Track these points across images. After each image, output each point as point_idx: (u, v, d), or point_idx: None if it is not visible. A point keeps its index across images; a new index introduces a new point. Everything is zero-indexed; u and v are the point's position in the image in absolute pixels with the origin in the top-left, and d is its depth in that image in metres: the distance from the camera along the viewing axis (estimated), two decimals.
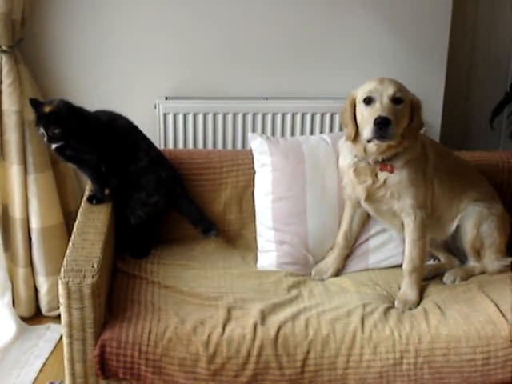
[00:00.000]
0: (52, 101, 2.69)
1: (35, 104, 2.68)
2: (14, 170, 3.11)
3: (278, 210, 2.88)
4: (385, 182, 2.65)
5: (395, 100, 2.55)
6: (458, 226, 2.84)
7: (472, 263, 2.87)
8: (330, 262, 2.88)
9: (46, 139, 2.68)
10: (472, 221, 2.80)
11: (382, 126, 2.49)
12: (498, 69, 3.81)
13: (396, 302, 2.64)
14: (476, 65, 3.81)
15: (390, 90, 2.54)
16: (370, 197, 2.71)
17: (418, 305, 2.64)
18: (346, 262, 2.90)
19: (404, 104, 2.56)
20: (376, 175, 2.66)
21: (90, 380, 2.42)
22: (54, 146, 2.72)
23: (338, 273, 2.87)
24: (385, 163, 2.64)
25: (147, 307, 2.52)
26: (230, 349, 2.37)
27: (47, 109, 2.64)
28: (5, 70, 3.00)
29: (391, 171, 2.64)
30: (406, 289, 2.69)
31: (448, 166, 2.80)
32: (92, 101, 3.00)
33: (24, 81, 3.07)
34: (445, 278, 2.81)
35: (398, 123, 2.53)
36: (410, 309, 2.61)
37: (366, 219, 2.89)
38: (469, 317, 2.51)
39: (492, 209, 2.82)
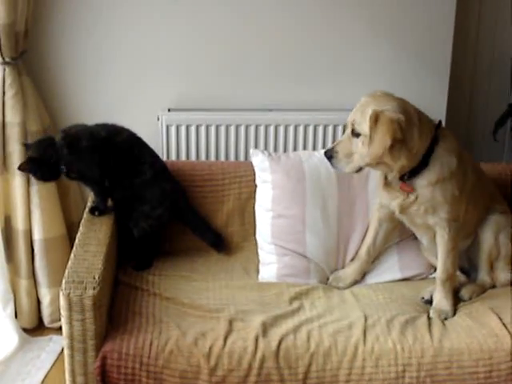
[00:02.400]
0: (38, 143, 2.76)
1: (26, 147, 2.81)
2: (17, 182, 3.10)
3: (278, 227, 2.87)
4: (417, 198, 2.63)
5: (353, 132, 2.56)
6: (475, 235, 2.84)
7: (483, 277, 2.84)
8: (350, 272, 2.87)
9: None
10: (491, 229, 2.80)
11: (328, 159, 2.62)
12: (501, 80, 3.80)
13: (431, 312, 2.62)
14: (479, 77, 3.80)
15: (349, 121, 2.58)
16: (403, 210, 2.69)
17: (454, 314, 2.63)
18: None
19: (364, 136, 2.50)
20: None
21: None
22: None
23: (354, 284, 2.86)
24: (405, 183, 2.61)
25: (148, 319, 2.51)
26: (232, 361, 2.36)
27: (34, 154, 2.72)
28: (8, 81, 3.01)
29: (410, 191, 2.62)
30: (441, 298, 2.67)
31: (482, 184, 2.80)
32: (94, 113, 3.02)
33: (27, 92, 3.07)
34: (461, 294, 2.76)
35: (355, 155, 2.55)
36: (446, 318, 2.60)
37: (391, 235, 2.88)
38: (471, 330, 2.50)
39: (508, 219, 2.83)
